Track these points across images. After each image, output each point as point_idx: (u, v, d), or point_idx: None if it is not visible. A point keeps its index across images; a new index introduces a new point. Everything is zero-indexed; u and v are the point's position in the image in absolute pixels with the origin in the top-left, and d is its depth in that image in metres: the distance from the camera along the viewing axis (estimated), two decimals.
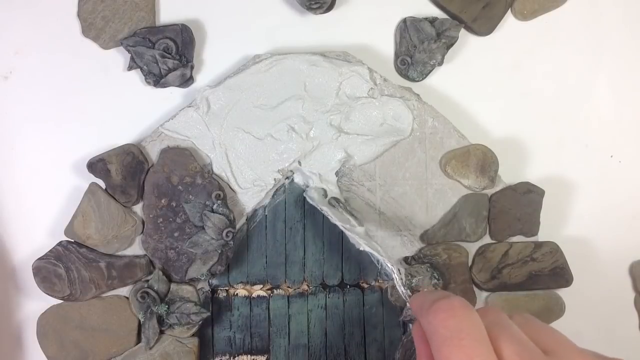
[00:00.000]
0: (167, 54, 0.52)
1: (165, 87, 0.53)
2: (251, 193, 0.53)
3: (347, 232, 0.50)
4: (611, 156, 0.57)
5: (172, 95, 0.54)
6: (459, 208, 0.53)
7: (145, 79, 0.53)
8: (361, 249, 0.50)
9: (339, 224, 0.50)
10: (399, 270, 0.46)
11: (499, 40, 0.56)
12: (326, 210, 0.50)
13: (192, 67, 0.53)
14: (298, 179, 0.53)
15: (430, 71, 0.55)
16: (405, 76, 0.55)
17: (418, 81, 0.55)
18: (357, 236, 0.49)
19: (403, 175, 0.53)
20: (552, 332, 0.34)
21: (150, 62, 0.52)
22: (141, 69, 0.53)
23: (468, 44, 0.56)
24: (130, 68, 0.53)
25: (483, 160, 0.53)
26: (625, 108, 0.57)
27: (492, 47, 0.56)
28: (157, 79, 0.52)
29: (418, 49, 0.54)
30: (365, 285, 0.55)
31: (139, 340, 0.51)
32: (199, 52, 0.55)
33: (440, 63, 0.54)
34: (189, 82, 0.53)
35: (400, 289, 0.43)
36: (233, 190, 0.52)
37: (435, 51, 0.54)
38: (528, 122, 0.56)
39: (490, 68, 0.56)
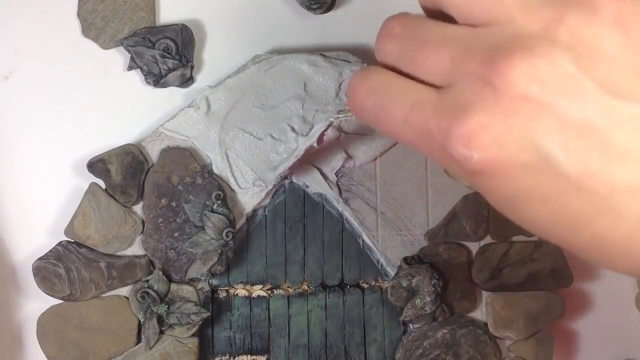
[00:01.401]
0: (167, 54, 0.52)
1: (165, 87, 0.53)
2: (251, 193, 0.53)
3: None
4: None
5: (172, 95, 0.54)
6: (459, 208, 0.53)
7: (145, 79, 0.53)
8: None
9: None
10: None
11: None
12: None
13: (192, 67, 0.53)
14: (298, 179, 0.53)
15: None
16: None
17: None
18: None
19: (403, 175, 0.53)
20: None
21: (150, 62, 0.52)
22: (141, 69, 0.52)
23: None
24: (130, 68, 0.53)
25: None
26: None
27: None
28: (157, 79, 0.52)
29: None
30: (365, 285, 0.55)
31: (139, 341, 0.51)
32: (199, 52, 0.54)
33: None
34: (189, 82, 0.53)
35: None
36: (233, 190, 0.52)
37: None
38: None
39: None
